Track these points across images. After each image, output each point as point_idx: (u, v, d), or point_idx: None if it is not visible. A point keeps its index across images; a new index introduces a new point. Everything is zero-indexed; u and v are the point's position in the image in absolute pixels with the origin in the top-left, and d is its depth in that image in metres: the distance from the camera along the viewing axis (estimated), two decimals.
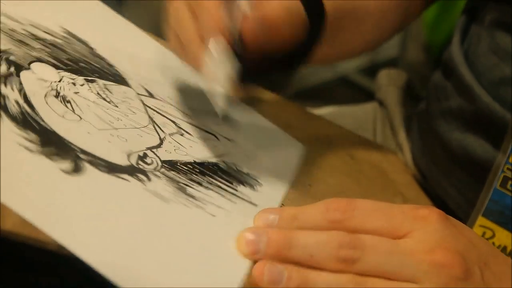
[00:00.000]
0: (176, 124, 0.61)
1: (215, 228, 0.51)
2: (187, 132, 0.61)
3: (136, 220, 0.47)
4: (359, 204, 0.48)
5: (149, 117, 0.60)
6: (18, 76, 0.54)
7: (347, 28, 0.68)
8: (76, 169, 0.48)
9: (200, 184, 0.55)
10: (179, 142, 0.59)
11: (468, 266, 0.46)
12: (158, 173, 0.53)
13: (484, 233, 0.61)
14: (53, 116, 0.52)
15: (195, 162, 0.57)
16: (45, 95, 0.54)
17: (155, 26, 0.70)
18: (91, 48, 0.64)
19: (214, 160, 0.59)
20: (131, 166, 0.52)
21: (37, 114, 0.51)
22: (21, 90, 0.52)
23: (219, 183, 0.57)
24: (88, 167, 0.49)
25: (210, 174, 0.57)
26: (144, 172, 0.52)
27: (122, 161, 0.52)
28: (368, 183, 0.69)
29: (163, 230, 0.48)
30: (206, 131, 0.63)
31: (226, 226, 0.51)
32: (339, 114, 0.89)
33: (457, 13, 0.76)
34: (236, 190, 0.57)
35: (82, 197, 0.46)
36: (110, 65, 0.63)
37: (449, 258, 0.45)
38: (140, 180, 0.51)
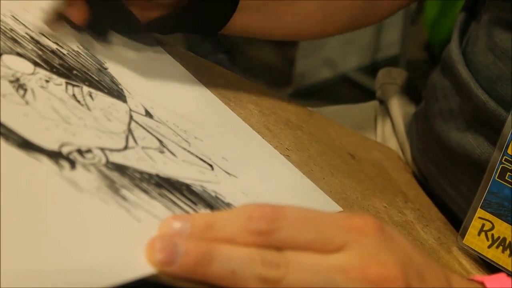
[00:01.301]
0: (161, 143, 0.54)
1: (132, 232, 0.43)
2: (170, 152, 0.54)
3: (26, 199, 0.41)
4: (287, 213, 0.41)
5: (128, 128, 0.53)
6: None
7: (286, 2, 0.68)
8: None
9: (145, 192, 0.47)
10: (150, 156, 0.52)
11: (407, 281, 0.41)
12: (92, 168, 0.46)
13: (483, 225, 0.61)
14: None
15: (157, 175, 0.50)
16: None
17: None
18: (103, 67, 0.60)
19: (187, 181, 0.51)
20: (55, 151, 0.45)
21: None
22: None
23: (175, 199, 0.48)
24: None
25: (169, 189, 0.49)
26: (70, 161, 0.46)
27: (46, 144, 0.46)
28: (369, 182, 0.68)
29: (52, 216, 0.41)
30: (202, 159, 0.55)
31: (147, 234, 0.42)
32: (340, 113, 0.88)
33: (458, 12, 0.74)
34: (196, 211, 0.48)
35: None
36: (114, 83, 0.59)
37: (385, 274, 0.40)
38: (58, 165, 0.45)
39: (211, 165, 0.56)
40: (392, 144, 0.83)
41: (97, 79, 0.58)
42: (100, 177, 0.46)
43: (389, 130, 0.85)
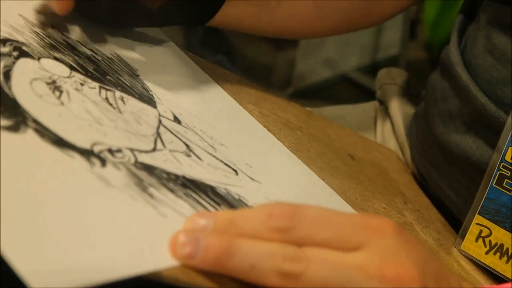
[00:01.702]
0: (188, 147, 0.56)
1: (158, 226, 0.45)
2: (197, 156, 0.56)
3: (58, 192, 0.43)
4: (306, 212, 0.43)
5: (157, 132, 0.56)
6: (16, 59, 0.53)
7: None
8: (15, 128, 0.46)
9: (171, 191, 0.49)
10: (176, 158, 0.54)
11: (424, 282, 0.42)
12: (121, 166, 0.48)
13: (480, 231, 0.61)
14: (25, 91, 0.50)
15: (183, 176, 0.52)
16: (34, 78, 0.53)
17: None
18: (135, 74, 0.63)
19: (212, 184, 0.53)
20: (87, 149, 0.48)
21: (7, 82, 0.49)
22: (7, 68, 0.51)
23: (199, 199, 0.50)
24: (30, 132, 0.46)
25: (194, 189, 0.51)
26: (101, 158, 0.48)
27: (79, 142, 0.48)
28: (368, 183, 0.67)
29: (84, 210, 0.43)
30: (227, 165, 0.57)
31: (172, 229, 0.44)
32: (340, 113, 0.88)
33: (457, 13, 0.75)
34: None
35: (10, 154, 0.43)
36: (145, 89, 0.61)
37: (403, 274, 0.41)
38: (89, 162, 0.47)
39: (235, 170, 0.58)
40: (392, 144, 0.83)
41: (129, 84, 0.60)
42: (128, 175, 0.48)
43: (388, 130, 0.85)
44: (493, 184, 0.61)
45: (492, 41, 0.65)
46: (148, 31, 0.70)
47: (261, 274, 0.41)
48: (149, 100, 0.60)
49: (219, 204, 0.52)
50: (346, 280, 0.41)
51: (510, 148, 0.60)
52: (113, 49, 0.65)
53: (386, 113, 0.87)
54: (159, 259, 0.42)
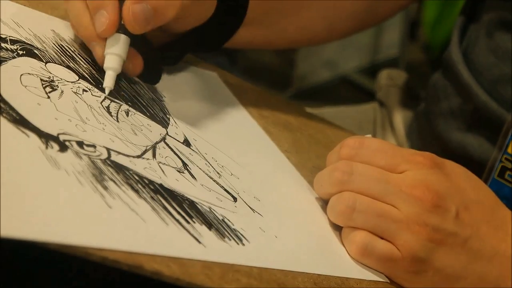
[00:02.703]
0: (184, 165, 0.52)
1: (96, 211, 0.42)
2: (190, 175, 0.51)
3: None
4: (366, 143, 0.54)
5: (153, 145, 0.52)
6: (17, 56, 0.52)
7: (286, 12, 0.70)
8: None
9: (135, 191, 0.45)
10: (162, 169, 0.50)
11: (441, 203, 0.51)
12: (85, 157, 0.45)
13: None
14: (9, 78, 0.49)
15: (160, 184, 0.47)
16: (29, 73, 0.51)
17: None
18: (159, 99, 0.60)
19: (194, 199, 0.49)
20: (49, 134, 0.45)
21: None
22: (2, 59, 0.51)
23: (168, 206, 0.46)
24: None
25: (167, 197, 0.47)
26: (62, 145, 0.45)
27: (43, 127, 0.46)
28: None
29: (24, 179, 0.41)
30: (227, 191, 0.52)
31: (112, 218, 0.41)
32: (339, 114, 0.90)
33: (457, 14, 0.75)
34: (188, 223, 0.46)
35: None
36: (163, 112, 0.58)
37: (424, 193, 0.51)
38: (46, 143, 0.44)
39: (235, 198, 0.52)
40: None
41: (144, 103, 0.58)
42: (89, 165, 0.45)
43: (388, 131, 0.85)
44: (495, 177, 0.62)
45: (495, 40, 0.65)
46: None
47: (324, 185, 0.55)
48: (161, 121, 0.57)
49: (191, 217, 0.46)
50: (382, 190, 0.52)
51: None
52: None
53: (386, 114, 0.86)
54: (88, 237, 0.39)
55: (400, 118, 0.84)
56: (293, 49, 2.32)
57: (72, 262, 0.41)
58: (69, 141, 0.46)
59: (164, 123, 0.57)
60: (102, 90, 0.55)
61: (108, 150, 0.48)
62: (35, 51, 0.55)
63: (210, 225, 0.47)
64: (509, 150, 0.61)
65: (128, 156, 0.49)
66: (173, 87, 0.64)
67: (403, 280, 0.53)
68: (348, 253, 0.53)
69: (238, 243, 0.47)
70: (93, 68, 0.58)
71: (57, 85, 0.52)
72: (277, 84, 2.33)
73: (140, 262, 0.40)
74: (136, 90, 0.59)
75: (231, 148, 0.60)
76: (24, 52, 0.54)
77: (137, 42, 0.57)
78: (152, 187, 0.47)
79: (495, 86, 0.64)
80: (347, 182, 0.52)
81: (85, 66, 0.57)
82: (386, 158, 0.53)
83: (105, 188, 0.44)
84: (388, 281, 0.54)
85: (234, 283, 0.43)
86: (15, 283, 0.42)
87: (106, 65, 0.55)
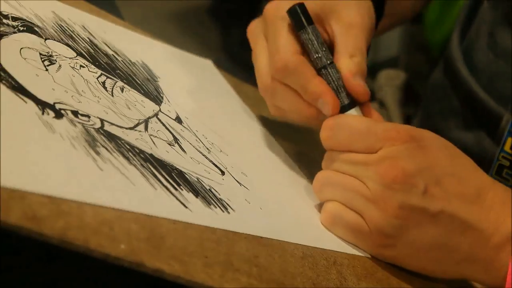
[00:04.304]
0: (175, 139, 0.54)
1: (87, 171, 0.44)
2: (181, 148, 0.54)
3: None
4: (343, 125, 0.56)
5: (146, 119, 0.54)
6: (18, 31, 0.55)
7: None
8: None
9: (126, 158, 0.47)
10: (153, 141, 0.52)
11: (408, 179, 0.52)
12: (79, 125, 0.47)
13: None
14: (9, 51, 0.51)
15: (151, 154, 0.50)
16: (29, 47, 0.53)
17: (155, 24, 0.66)
18: (154, 79, 0.62)
19: (183, 169, 0.51)
20: (46, 102, 0.47)
21: None
22: (3, 33, 0.53)
23: (157, 173, 0.48)
24: None
25: (156, 166, 0.49)
26: (58, 112, 0.47)
27: (41, 95, 0.48)
28: None
29: (23, 139, 0.43)
30: (215, 165, 0.55)
31: (102, 178, 0.43)
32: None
33: (457, 14, 0.77)
34: (176, 190, 0.48)
35: None
36: (157, 91, 0.61)
37: (390, 171, 0.52)
38: (42, 110, 0.46)
39: (222, 171, 0.55)
40: None
41: (139, 82, 0.60)
42: (83, 132, 0.47)
43: None
44: (493, 175, 0.62)
45: (494, 38, 0.65)
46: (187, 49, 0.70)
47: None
48: (155, 98, 0.59)
49: (179, 184, 0.49)
50: (355, 172, 0.54)
51: (509, 138, 0.60)
52: (141, 57, 0.65)
53: (386, 114, 0.86)
54: (79, 192, 0.41)
55: (400, 118, 0.84)
56: None
57: (73, 260, 0.41)
58: (64, 109, 0.48)
59: (158, 101, 0.59)
60: (99, 67, 0.58)
61: (102, 120, 0.50)
62: (35, 28, 0.57)
63: (197, 193, 0.49)
64: (506, 148, 0.61)
65: (121, 127, 0.51)
66: (169, 70, 0.67)
67: (373, 253, 0.55)
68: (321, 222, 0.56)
69: (223, 211, 0.50)
70: (90, 47, 0.60)
71: (55, 60, 0.54)
72: None
73: (142, 260, 0.40)
74: (132, 71, 0.61)
75: (221, 127, 0.62)
76: (25, 28, 0.56)
77: None
78: (142, 156, 0.49)
79: (494, 83, 0.65)
80: (326, 166, 0.56)
81: (83, 45, 0.60)
82: (362, 140, 0.54)
83: (97, 153, 0.46)
84: (370, 256, 0.55)
85: (234, 282, 0.44)
86: (15, 282, 0.42)
87: None
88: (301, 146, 0.69)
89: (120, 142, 0.49)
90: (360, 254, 0.55)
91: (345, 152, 0.55)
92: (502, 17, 0.65)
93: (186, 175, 0.51)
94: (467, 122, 0.67)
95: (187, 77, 0.68)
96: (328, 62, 0.57)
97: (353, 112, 0.58)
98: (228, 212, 0.50)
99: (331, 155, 0.56)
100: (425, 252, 0.53)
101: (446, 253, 0.53)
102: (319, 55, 0.57)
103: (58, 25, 0.60)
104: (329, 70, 0.57)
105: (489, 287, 0.55)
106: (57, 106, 0.48)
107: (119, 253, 0.40)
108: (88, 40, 0.61)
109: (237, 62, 1.85)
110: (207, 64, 0.74)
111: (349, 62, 0.58)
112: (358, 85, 0.58)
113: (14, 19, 0.56)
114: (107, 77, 0.57)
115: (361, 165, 0.53)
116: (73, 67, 0.55)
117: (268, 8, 0.60)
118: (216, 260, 0.45)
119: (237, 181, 0.55)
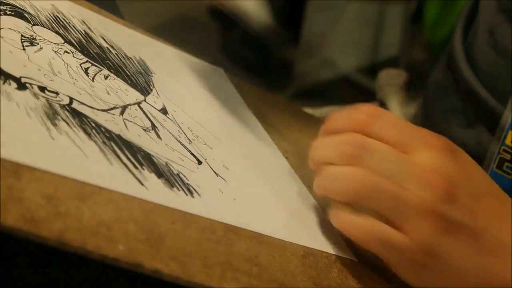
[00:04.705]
0: (153, 127, 0.53)
1: (37, 139, 0.43)
2: (157, 135, 0.52)
3: None
4: (383, 114, 0.52)
5: (124, 105, 0.53)
6: (4, 14, 0.54)
7: None
8: None
9: (87, 134, 0.46)
10: (126, 125, 0.51)
11: (452, 191, 0.49)
12: (43, 99, 0.46)
13: None
14: None
15: (118, 135, 0.48)
16: (10, 28, 0.53)
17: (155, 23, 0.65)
18: (147, 73, 0.61)
19: (151, 153, 0.49)
20: (9, 74, 0.47)
21: None
22: None
23: (119, 152, 0.47)
24: None
25: (120, 145, 0.48)
26: (21, 84, 0.46)
27: (6, 68, 0.47)
28: None
29: None
30: (193, 154, 0.53)
31: (54, 148, 0.42)
32: None
33: (458, 13, 0.75)
34: (136, 168, 0.46)
35: None
36: (148, 84, 0.59)
37: (436, 180, 0.48)
38: (4, 80, 0.46)
39: (200, 161, 0.53)
40: None
41: (128, 74, 0.59)
42: (45, 105, 0.46)
43: None
44: (494, 168, 0.61)
45: (494, 36, 0.64)
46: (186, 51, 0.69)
47: (334, 158, 0.50)
48: (142, 89, 0.58)
49: (141, 164, 0.47)
50: (394, 170, 0.49)
51: (510, 131, 0.60)
52: (140, 54, 0.64)
53: None
54: (23, 154, 0.40)
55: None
56: (291, 46, 2.33)
57: (70, 260, 0.41)
58: (30, 84, 0.47)
59: (145, 92, 0.58)
60: (87, 55, 0.57)
61: (71, 99, 0.49)
62: (25, 14, 0.57)
63: (160, 175, 0.47)
64: (507, 142, 0.60)
65: (92, 108, 0.50)
66: (165, 68, 0.65)
67: (408, 273, 0.50)
68: (346, 236, 0.51)
69: (187, 194, 0.47)
70: (83, 38, 0.59)
71: (37, 43, 0.54)
72: (277, 84, 2.32)
73: (140, 261, 0.40)
74: (124, 63, 0.60)
75: (211, 124, 0.60)
76: (13, 13, 0.56)
77: None
78: (107, 135, 0.48)
79: (495, 82, 0.64)
80: (360, 157, 0.49)
81: (75, 35, 0.59)
82: (400, 135, 0.50)
83: (54, 125, 0.45)
84: (355, 259, 0.53)
85: (234, 282, 0.43)
86: (13, 283, 0.42)
87: None
88: (302, 147, 0.67)
89: (85, 120, 0.48)
90: (341, 254, 0.52)
91: (380, 143, 0.50)
92: (502, 14, 0.64)
93: (153, 158, 0.49)
94: (468, 120, 0.66)
95: (183, 75, 0.66)
96: None
97: None
98: (193, 197, 0.48)
99: (363, 138, 0.50)
100: (458, 272, 0.49)
101: (478, 274, 0.50)
102: None
103: (54, 15, 0.60)
104: None
105: None
106: (23, 80, 0.47)
107: (118, 254, 0.39)
108: (83, 32, 0.61)
109: (237, 62, 1.85)
110: (218, 72, 0.72)
111: None
112: None
113: (4, 4, 0.56)
114: (92, 65, 0.56)
115: (405, 166, 0.49)
116: (56, 51, 0.54)
117: None
118: (216, 260, 0.44)
119: (214, 171, 0.53)
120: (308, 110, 0.82)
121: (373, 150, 0.49)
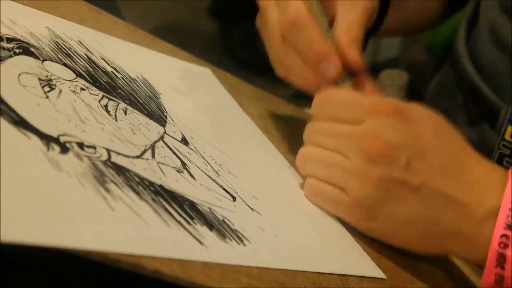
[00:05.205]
0: (183, 165, 0.52)
1: (99, 214, 0.41)
2: (190, 174, 0.51)
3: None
4: (331, 96, 0.57)
5: (152, 144, 0.52)
6: (16, 55, 0.52)
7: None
8: None
9: (137, 193, 0.45)
10: (162, 170, 0.50)
11: (390, 152, 0.52)
12: (86, 159, 0.45)
13: None
14: (7, 78, 0.48)
15: (160, 185, 0.47)
16: (27, 72, 0.51)
17: (155, 24, 0.64)
18: (155, 96, 0.60)
19: (195, 200, 0.48)
20: (50, 135, 0.45)
21: None
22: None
23: (169, 207, 0.46)
24: None
25: (167, 199, 0.47)
26: (63, 147, 0.45)
27: (44, 128, 0.45)
28: None
29: (26, 180, 0.40)
30: (226, 190, 0.52)
31: (116, 220, 0.40)
32: None
33: (459, 14, 0.77)
34: (190, 224, 0.45)
35: None
36: (160, 110, 0.58)
37: (372, 144, 0.53)
38: (47, 145, 0.44)
39: (234, 197, 0.52)
40: None
41: (141, 101, 0.57)
42: (91, 167, 0.45)
43: None
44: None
45: (496, 34, 0.65)
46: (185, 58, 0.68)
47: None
48: (159, 119, 0.57)
49: (192, 218, 0.46)
50: (337, 144, 0.55)
51: (509, 126, 0.60)
52: (141, 72, 0.62)
53: None
54: (91, 240, 0.39)
55: None
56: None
57: (71, 261, 0.40)
58: (69, 142, 0.46)
59: (162, 121, 0.57)
60: (100, 88, 0.55)
61: (108, 151, 0.48)
62: (31, 49, 0.54)
63: (211, 226, 0.47)
64: (506, 137, 0.61)
65: (128, 156, 0.49)
66: (168, 84, 0.64)
67: (356, 225, 0.56)
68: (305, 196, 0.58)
69: (239, 244, 0.47)
70: (89, 66, 0.58)
71: (55, 84, 0.52)
72: (277, 84, 2.31)
73: (141, 262, 0.39)
74: (133, 88, 0.59)
75: (227, 145, 0.60)
76: (21, 50, 0.53)
77: None
78: (152, 189, 0.47)
79: (498, 80, 0.65)
80: (310, 138, 0.58)
81: (81, 64, 0.57)
82: (348, 111, 0.55)
83: (107, 190, 0.44)
84: (386, 277, 0.54)
85: (234, 283, 0.43)
86: (13, 284, 0.41)
87: None
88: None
89: (128, 175, 0.47)
90: (380, 276, 0.53)
91: (329, 122, 0.56)
92: (503, 13, 0.66)
93: (198, 206, 0.49)
94: (471, 117, 0.67)
95: (188, 91, 0.65)
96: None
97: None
98: (244, 245, 0.48)
99: (312, 126, 0.58)
100: (407, 225, 0.53)
101: (428, 227, 0.53)
102: None
103: (54, 42, 0.58)
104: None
105: (472, 262, 0.56)
106: (62, 139, 0.46)
107: (118, 256, 0.39)
108: (86, 57, 0.59)
109: (237, 62, 1.83)
110: (206, 73, 0.72)
111: (345, 34, 0.59)
112: (350, 54, 0.59)
113: (9, 40, 0.53)
114: (109, 99, 0.55)
115: (343, 138, 0.54)
116: (73, 91, 0.53)
117: None
118: None
119: (249, 206, 0.53)
120: (308, 111, 0.81)
121: (320, 132, 0.57)
